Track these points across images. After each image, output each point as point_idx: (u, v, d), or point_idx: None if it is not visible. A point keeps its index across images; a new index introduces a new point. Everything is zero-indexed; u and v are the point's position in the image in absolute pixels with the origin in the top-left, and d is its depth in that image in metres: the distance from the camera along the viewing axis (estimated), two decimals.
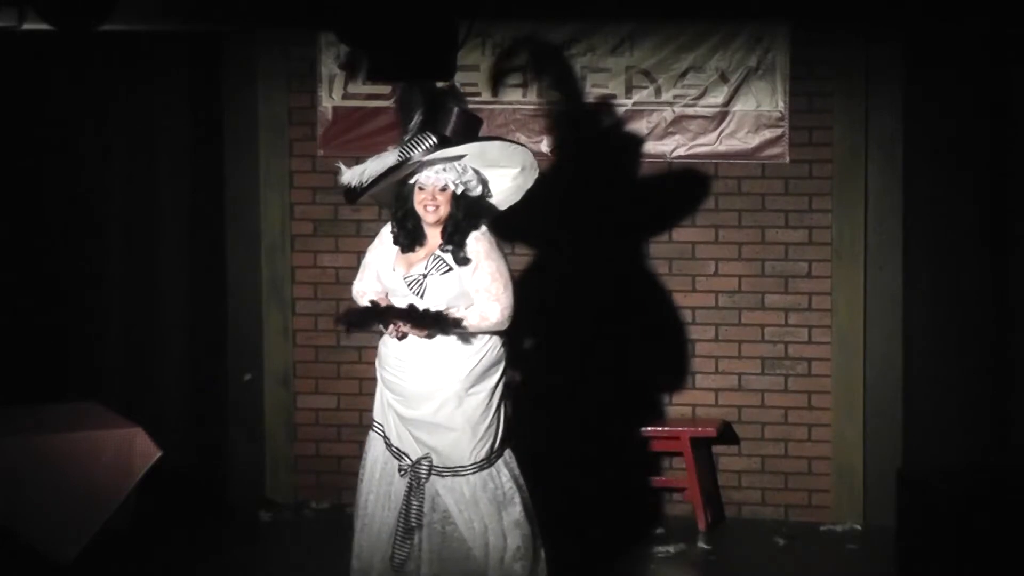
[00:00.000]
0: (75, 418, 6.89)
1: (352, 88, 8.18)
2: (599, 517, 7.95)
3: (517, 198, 6.30)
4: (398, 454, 6.18)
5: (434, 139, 6.01)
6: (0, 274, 7.68)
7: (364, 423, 8.24)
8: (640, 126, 8.04)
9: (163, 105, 8.06)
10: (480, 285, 6.07)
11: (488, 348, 6.13)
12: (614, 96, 8.03)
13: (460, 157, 6.06)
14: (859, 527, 7.93)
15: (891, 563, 7.21)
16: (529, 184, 6.26)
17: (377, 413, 6.31)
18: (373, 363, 8.24)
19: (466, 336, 6.08)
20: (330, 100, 8.24)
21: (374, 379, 8.24)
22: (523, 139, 8.03)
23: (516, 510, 6.12)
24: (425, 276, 6.07)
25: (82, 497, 6.55)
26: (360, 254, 8.25)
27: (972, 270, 7.53)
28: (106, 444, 6.64)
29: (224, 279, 8.35)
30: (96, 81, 7.90)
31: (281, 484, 8.37)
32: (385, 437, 6.24)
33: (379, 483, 6.19)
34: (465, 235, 6.09)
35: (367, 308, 6.17)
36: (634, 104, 8.06)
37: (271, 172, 8.29)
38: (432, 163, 6.05)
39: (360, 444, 8.27)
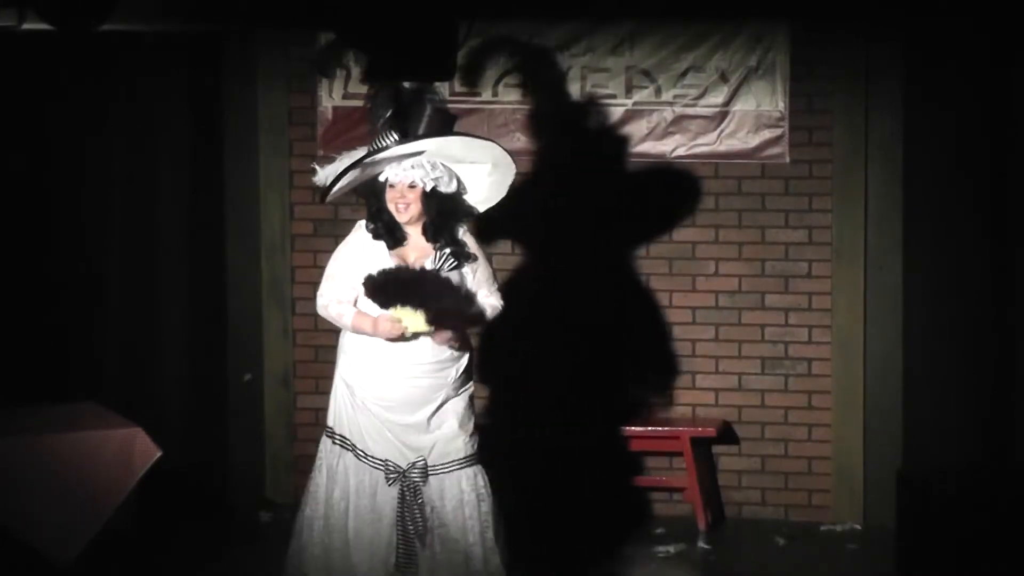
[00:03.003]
0: (75, 418, 6.87)
1: (352, 88, 8.17)
2: (599, 518, 7.95)
3: (498, 196, 6.19)
4: (381, 463, 6.01)
5: (395, 136, 5.96)
6: (0, 274, 7.67)
7: None
8: (640, 126, 8.03)
9: (163, 105, 8.06)
10: (482, 278, 6.11)
11: (470, 348, 6.17)
12: (613, 96, 8.04)
13: (420, 153, 5.96)
14: (859, 527, 7.93)
15: (891, 563, 7.19)
16: (508, 180, 6.14)
17: (342, 426, 6.07)
18: None
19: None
20: (330, 100, 8.24)
21: None
22: (523, 139, 8.03)
23: (488, 505, 6.05)
24: (438, 271, 6.00)
25: (82, 497, 6.53)
26: None
27: (972, 270, 7.53)
28: (106, 444, 6.62)
29: (224, 279, 8.34)
30: (96, 81, 7.90)
31: (281, 484, 8.36)
32: (354, 449, 6.04)
33: (357, 496, 6.01)
34: (452, 232, 6.06)
35: (405, 278, 5.93)
36: (634, 104, 8.06)
37: (271, 172, 8.29)
38: (399, 160, 5.98)
39: None
